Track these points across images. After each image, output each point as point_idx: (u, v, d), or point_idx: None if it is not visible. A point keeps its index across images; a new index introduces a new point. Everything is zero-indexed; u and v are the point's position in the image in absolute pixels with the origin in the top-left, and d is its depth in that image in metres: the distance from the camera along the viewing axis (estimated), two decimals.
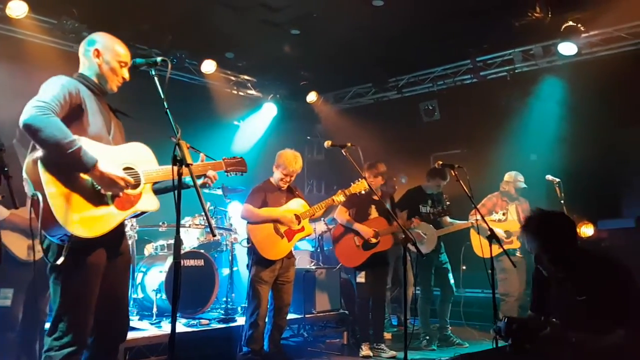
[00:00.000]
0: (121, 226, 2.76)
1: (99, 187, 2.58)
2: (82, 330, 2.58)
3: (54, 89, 2.56)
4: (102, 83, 2.84)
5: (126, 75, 2.88)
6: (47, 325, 2.62)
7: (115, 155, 2.71)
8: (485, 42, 7.46)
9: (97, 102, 2.78)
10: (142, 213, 2.85)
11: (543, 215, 3.01)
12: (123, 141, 2.92)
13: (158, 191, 2.93)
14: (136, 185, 2.73)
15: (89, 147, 2.57)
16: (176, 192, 2.35)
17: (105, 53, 2.81)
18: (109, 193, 2.61)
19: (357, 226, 5.45)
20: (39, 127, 2.39)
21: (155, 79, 2.62)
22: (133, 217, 2.87)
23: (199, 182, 2.99)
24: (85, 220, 2.51)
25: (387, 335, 6.40)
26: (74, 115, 2.62)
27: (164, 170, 2.83)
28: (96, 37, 2.86)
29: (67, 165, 2.47)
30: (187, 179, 2.67)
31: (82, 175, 2.54)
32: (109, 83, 2.84)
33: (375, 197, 5.46)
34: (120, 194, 2.63)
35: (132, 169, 2.75)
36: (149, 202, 2.81)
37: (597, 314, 2.76)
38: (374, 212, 5.63)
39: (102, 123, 2.75)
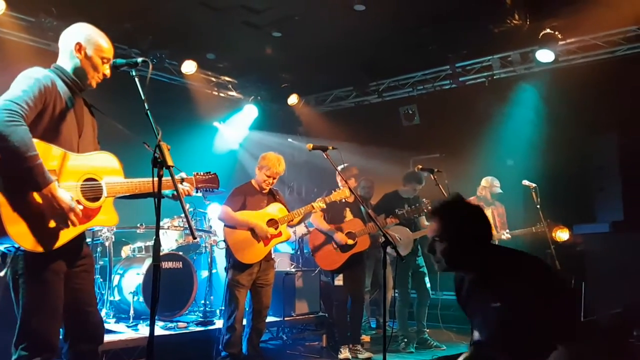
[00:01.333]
0: (80, 236, 2.62)
1: None
2: (49, 338, 2.49)
3: (27, 84, 2.42)
4: (80, 78, 2.69)
5: (107, 71, 2.74)
6: None
7: (79, 164, 2.57)
8: (464, 48, 7.56)
9: (72, 99, 2.64)
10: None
11: (455, 200, 2.63)
12: (95, 141, 2.81)
13: (122, 197, 2.81)
14: (97, 198, 2.61)
15: (52, 154, 2.45)
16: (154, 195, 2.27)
17: (87, 47, 2.67)
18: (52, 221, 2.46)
19: (331, 231, 5.47)
20: (3, 134, 2.24)
21: (136, 79, 2.54)
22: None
23: (170, 194, 2.82)
24: (35, 235, 2.37)
25: (366, 338, 6.42)
26: (44, 113, 2.48)
27: (128, 185, 2.71)
28: (80, 29, 2.71)
29: (22, 178, 2.33)
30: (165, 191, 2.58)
31: None
32: (88, 79, 2.70)
33: (350, 200, 5.50)
34: (68, 223, 2.45)
35: (95, 180, 2.62)
36: (108, 216, 2.67)
37: (522, 326, 2.26)
38: (348, 215, 5.65)
39: (73, 124, 2.63)
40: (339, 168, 5.18)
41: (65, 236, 2.49)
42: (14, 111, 2.30)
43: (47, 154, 2.45)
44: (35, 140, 2.37)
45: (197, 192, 3.14)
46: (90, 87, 2.75)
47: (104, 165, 2.69)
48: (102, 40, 2.72)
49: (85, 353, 2.70)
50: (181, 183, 2.92)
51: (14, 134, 2.26)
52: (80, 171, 2.57)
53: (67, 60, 2.69)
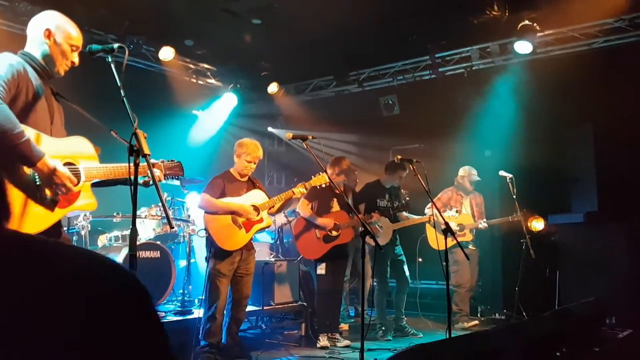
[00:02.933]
0: (56, 225, 2.62)
1: (39, 183, 2.44)
2: None
3: (1, 68, 2.41)
4: (49, 65, 2.66)
5: (76, 59, 2.72)
6: None
7: (56, 149, 2.56)
8: (443, 38, 7.58)
9: (41, 86, 2.61)
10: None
11: None
12: (63, 129, 2.78)
13: (96, 184, 2.80)
14: (76, 183, 2.60)
15: (33, 138, 2.42)
16: (130, 183, 2.26)
17: (57, 34, 2.65)
18: (48, 191, 2.47)
19: (318, 220, 5.48)
20: None
21: (112, 66, 2.51)
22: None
23: (141, 181, 2.79)
24: (26, 216, 2.38)
25: (345, 326, 6.47)
26: (16, 98, 2.46)
27: (105, 170, 2.71)
28: (49, 16, 2.69)
29: (8, 157, 2.31)
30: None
31: (24, 168, 2.40)
32: (56, 66, 2.67)
33: (337, 191, 5.51)
34: (64, 190, 2.48)
35: (73, 164, 2.61)
36: (86, 200, 2.68)
37: None
38: (335, 206, 5.68)
39: (44, 110, 2.60)
40: (330, 161, 5.19)
41: (49, 219, 2.47)
42: None
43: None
44: None
45: (165, 178, 3.12)
46: (58, 75, 2.71)
47: (80, 150, 2.68)
48: (71, 28, 2.71)
49: None
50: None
51: None
52: (58, 156, 2.55)
53: (35, 47, 2.67)
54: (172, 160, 3.20)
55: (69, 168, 2.56)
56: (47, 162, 2.40)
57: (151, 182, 2.77)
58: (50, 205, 2.49)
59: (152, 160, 2.90)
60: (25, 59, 2.62)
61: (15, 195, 2.36)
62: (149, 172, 2.35)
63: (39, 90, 2.58)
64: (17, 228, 2.30)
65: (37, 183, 2.45)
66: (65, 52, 2.67)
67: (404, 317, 6.22)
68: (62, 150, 2.59)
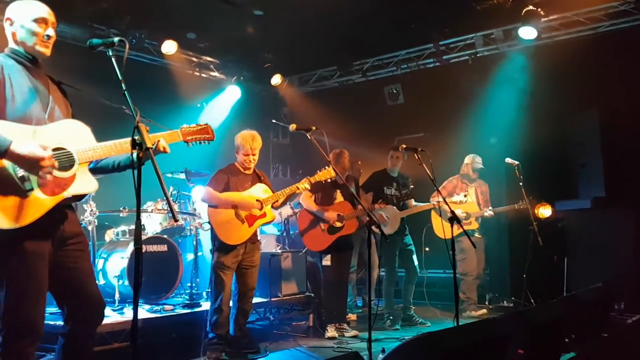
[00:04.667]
0: (61, 211, 2.58)
1: (21, 172, 2.39)
2: (34, 321, 2.46)
3: None
4: (27, 51, 2.64)
5: (51, 32, 2.65)
6: None
7: (44, 136, 2.48)
8: (447, 26, 7.53)
9: (29, 77, 2.59)
10: (80, 197, 2.66)
11: None
12: (66, 117, 2.73)
13: (96, 171, 2.74)
14: (70, 167, 2.53)
15: (7, 130, 2.37)
16: (134, 174, 2.23)
17: (15, 17, 2.63)
18: (34, 178, 2.40)
19: (320, 212, 5.48)
20: None
21: (113, 60, 2.49)
22: (71, 201, 2.63)
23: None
24: (6, 210, 2.32)
25: (352, 317, 6.48)
26: None
27: (102, 148, 2.62)
28: (10, 6, 2.67)
29: None
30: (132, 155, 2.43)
31: (2, 162, 2.36)
32: (32, 47, 2.62)
33: (340, 182, 5.50)
34: (48, 176, 2.40)
35: (63, 149, 2.52)
36: (84, 184, 2.58)
37: None
38: (339, 197, 5.67)
39: (34, 100, 2.57)
40: (331, 155, 5.17)
41: (39, 209, 2.41)
42: None
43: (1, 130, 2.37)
44: None
45: (187, 144, 3.00)
46: (43, 56, 2.67)
47: (71, 132, 2.61)
48: (30, 5, 2.66)
49: (84, 335, 2.69)
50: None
51: None
52: (45, 142, 2.46)
53: (10, 39, 2.68)
54: (196, 125, 3.03)
55: (59, 152, 2.50)
56: (13, 149, 2.30)
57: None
58: (37, 191, 2.42)
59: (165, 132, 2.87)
60: (8, 54, 2.63)
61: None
62: (153, 165, 2.30)
63: (23, 82, 2.56)
64: (5, 221, 2.31)
65: (19, 174, 2.39)
66: (32, 30, 2.61)
67: (412, 306, 6.22)
68: (49, 136, 2.50)
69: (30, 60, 2.66)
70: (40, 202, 2.42)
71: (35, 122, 2.54)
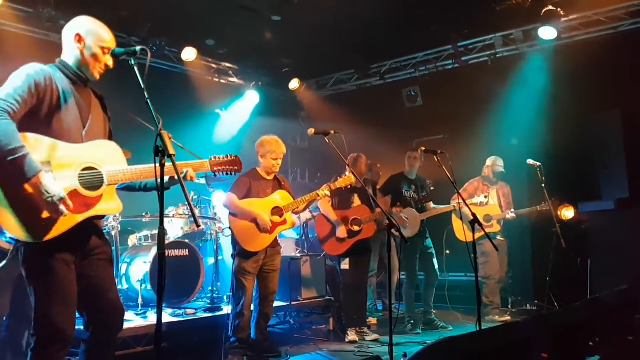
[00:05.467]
0: (87, 224, 2.61)
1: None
2: (63, 327, 2.51)
3: (18, 80, 2.45)
4: (83, 71, 2.69)
5: (110, 62, 2.73)
6: None
7: (78, 154, 2.56)
8: (466, 27, 7.49)
9: (74, 93, 2.65)
10: (103, 216, 2.74)
11: None
12: (103, 134, 2.80)
13: (123, 189, 2.82)
14: (98, 187, 2.60)
15: (46, 146, 2.46)
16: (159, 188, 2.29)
17: (87, 38, 2.66)
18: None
19: (335, 221, 5.50)
20: None
21: (135, 68, 2.53)
22: (95, 218, 2.69)
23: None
24: (32, 225, 2.40)
25: (373, 320, 6.47)
26: (39, 107, 2.50)
27: (131, 172, 2.69)
28: (79, 21, 2.71)
29: (6, 170, 2.34)
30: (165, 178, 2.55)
31: None
32: (90, 70, 2.69)
33: (358, 185, 5.51)
34: (54, 215, 2.43)
35: (94, 168, 2.60)
36: (109, 204, 2.66)
37: None
38: (356, 200, 5.67)
39: (75, 115, 2.62)
40: (351, 156, 5.17)
41: (64, 224, 2.48)
42: None
43: (39, 146, 2.45)
44: (27, 134, 2.42)
45: (214, 175, 3.11)
46: (93, 79, 2.74)
47: (104, 153, 2.67)
48: (103, 31, 2.71)
49: (104, 341, 2.75)
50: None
51: None
52: (78, 161, 2.56)
53: (68, 53, 2.70)
54: (227, 156, 3.16)
55: (90, 172, 2.58)
56: (40, 180, 2.36)
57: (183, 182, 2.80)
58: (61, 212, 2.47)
59: (195, 161, 2.98)
60: (58, 67, 2.67)
61: (23, 204, 2.39)
62: (175, 172, 2.36)
63: (67, 97, 2.60)
64: (31, 232, 2.39)
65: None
66: (97, 55, 2.67)
67: (433, 310, 6.18)
68: (83, 155, 2.58)
69: (79, 78, 2.71)
70: (66, 219, 2.47)
71: (73, 138, 2.60)
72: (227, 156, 3.16)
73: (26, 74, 2.48)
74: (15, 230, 2.38)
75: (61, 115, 2.57)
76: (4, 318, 3.73)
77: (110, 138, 2.86)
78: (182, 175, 2.76)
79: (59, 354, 2.52)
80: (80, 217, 2.54)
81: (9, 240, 2.45)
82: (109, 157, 2.67)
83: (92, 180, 2.59)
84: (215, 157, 3.11)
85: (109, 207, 2.67)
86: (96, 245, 2.72)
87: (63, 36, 2.73)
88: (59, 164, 2.49)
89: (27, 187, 2.37)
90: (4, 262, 2.44)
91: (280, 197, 4.86)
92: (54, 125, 2.54)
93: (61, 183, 2.46)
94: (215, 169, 3.08)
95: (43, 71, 2.55)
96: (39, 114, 2.50)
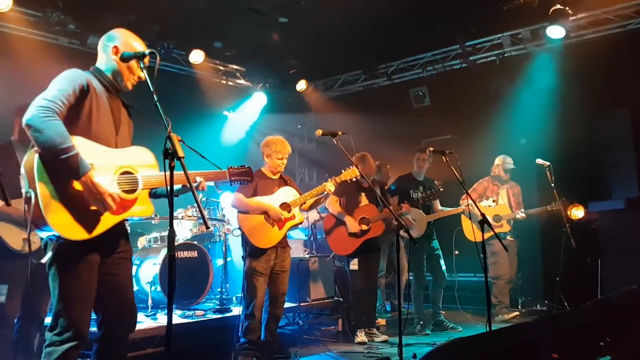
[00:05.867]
0: (117, 226, 2.73)
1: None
2: (80, 325, 2.58)
3: (62, 84, 2.56)
4: (117, 80, 2.82)
5: (142, 75, 2.83)
6: (48, 321, 2.65)
7: (116, 158, 2.70)
8: (473, 26, 7.46)
9: (109, 100, 2.77)
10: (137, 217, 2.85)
11: None
12: (130, 141, 2.91)
13: (153, 196, 2.92)
14: (134, 190, 2.72)
15: (89, 149, 2.57)
16: (167, 183, 2.33)
17: (122, 50, 2.78)
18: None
19: (345, 218, 5.49)
20: (39, 128, 2.40)
21: (144, 71, 2.61)
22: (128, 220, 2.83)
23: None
24: (73, 223, 2.50)
25: (382, 321, 6.46)
26: (80, 111, 2.61)
27: (163, 177, 2.79)
28: (116, 34, 2.84)
29: (59, 168, 2.46)
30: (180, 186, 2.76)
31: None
32: (124, 81, 2.82)
33: (365, 185, 5.51)
34: (102, 210, 2.57)
35: (131, 173, 2.73)
36: (143, 207, 2.79)
37: None
38: (364, 200, 5.67)
39: (110, 122, 2.75)
40: (355, 156, 5.18)
41: (104, 224, 2.60)
42: (48, 108, 2.44)
43: (83, 147, 2.55)
44: (74, 136, 2.52)
45: (231, 184, 3.35)
46: (126, 89, 2.86)
47: (140, 159, 2.80)
48: (138, 45, 2.84)
49: (118, 340, 2.81)
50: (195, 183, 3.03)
51: (49, 128, 2.40)
52: (117, 165, 2.69)
53: (104, 62, 2.83)
54: (241, 167, 3.42)
55: (127, 176, 2.70)
56: (90, 178, 2.49)
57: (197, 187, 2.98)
58: (101, 213, 2.60)
59: (215, 170, 3.18)
60: (95, 75, 2.78)
61: (67, 203, 2.49)
62: (185, 175, 2.41)
63: (104, 103, 2.73)
64: (77, 229, 2.50)
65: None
66: (131, 67, 2.79)
67: (441, 311, 6.16)
68: (120, 160, 2.71)
69: (113, 87, 2.82)
70: (106, 218, 2.62)
71: (109, 142, 2.71)
72: (241, 167, 3.42)
73: (69, 79, 2.60)
74: (63, 228, 2.46)
75: (99, 119, 2.69)
76: (15, 320, 3.76)
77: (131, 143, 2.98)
78: (195, 185, 2.91)
79: (74, 352, 2.57)
80: (118, 219, 2.67)
81: (51, 237, 2.54)
82: (143, 163, 2.80)
83: (129, 184, 2.71)
84: (232, 168, 3.35)
85: (142, 210, 2.79)
86: (120, 245, 2.82)
87: (99, 46, 2.86)
88: (100, 167, 2.61)
89: (77, 185, 2.50)
90: (46, 257, 2.52)
91: (286, 194, 4.88)
92: (92, 129, 2.65)
93: (108, 186, 2.59)
94: (233, 178, 3.33)
95: (85, 76, 2.67)
96: (80, 116, 2.62)
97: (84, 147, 2.54)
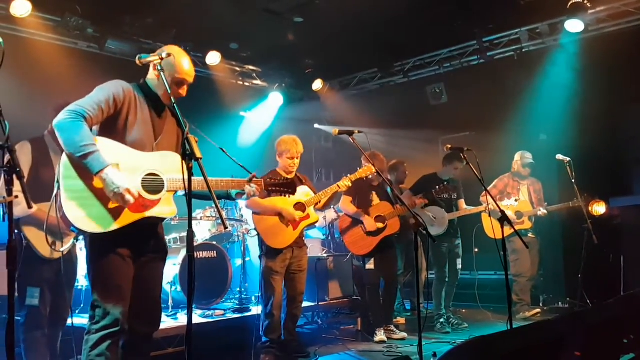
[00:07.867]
0: (148, 225, 2.86)
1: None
2: (116, 315, 2.70)
3: (98, 93, 2.74)
4: (159, 94, 2.93)
5: (182, 92, 2.95)
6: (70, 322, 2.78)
7: (145, 161, 2.81)
8: (491, 21, 7.39)
9: (150, 109, 2.91)
10: (160, 219, 2.95)
11: None
12: (174, 149, 2.98)
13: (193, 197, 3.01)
14: (158, 192, 2.82)
15: (117, 150, 2.72)
16: (185, 184, 2.40)
17: (164, 67, 2.85)
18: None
19: (363, 217, 5.47)
20: (62, 129, 2.60)
21: (162, 73, 2.66)
22: (154, 220, 2.91)
23: (234, 194, 3.26)
24: (91, 217, 2.65)
25: (401, 320, 6.43)
26: (117, 118, 2.77)
27: (192, 182, 2.86)
28: (163, 50, 2.93)
29: (83, 165, 2.61)
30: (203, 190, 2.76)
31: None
32: (160, 96, 2.92)
33: (375, 183, 5.49)
34: (124, 205, 2.67)
35: (157, 175, 2.83)
36: (164, 208, 2.88)
37: None
38: (375, 198, 5.63)
39: (148, 130, 2.87)
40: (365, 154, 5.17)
41: (123, 220, 2.71)
42: (75, 112, 2.63)
43: (112, 149, 2.71)
44: (103, 138, 2.73)
45: (269, 195, 3.49)
46: (165, 104, 2.95)
47: (169, 163, 2.89)
48: (180, 66, 2.92)
49: (144, 336, 2.93)
50: (249, 183, 3.24)
51: (71, 129, 2.60)
52: (144, 167, 2.80)
53: (150, 75, 2.97)
54: (285, 179, 3.53)
55: (152, 177, 2.82)
56: (105, 173, 2.59)
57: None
58: (121, 209, 2.71)
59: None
60: (141, 86, 2.95)
61: (89, 197, 2.66)
62: (203, 176, 2.47)
63: (145, 112, 2.89)
64: (95, 224, 2.65)
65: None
66: (170, 85, 2.85)
67: (450, 308, 6.14)
68: (149, 163, 2.83)
69: (156, 99, 2.94)
70: (126, 215, 2.74)
71: (145, 148, 2.85)
72: (279, 178, 3.55)
73: (107, 89, 2.78)
74: (81, 222, 2.61)
75: (136, 127, 2.82)
76: None
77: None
78: (250, 193, 3.19)
79: (109, 339, 2.69)
80: (138, 216, 2.77)
81: (74, 230, 2.70)
82: (172, 167, 2.87)
83: (154, 185, 2.82)
84: (269, 179, 3.43)
85: (164, 211, 2.88)
86: (154, 245, 2.96)
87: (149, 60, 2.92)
88: (127, 168, 2.73)
89: (96, 182, 2.65)
90: (67, 246, 2.67)
91: (301, 193, 4.86)
92: (128, 135, 2.80)
93: (126, 182, 2.68)
94: (269, 188, 3.41)
95: (124, 88, 2.82)
96: (117, 123, 2.78)
97: (110, 148, 2.70)
